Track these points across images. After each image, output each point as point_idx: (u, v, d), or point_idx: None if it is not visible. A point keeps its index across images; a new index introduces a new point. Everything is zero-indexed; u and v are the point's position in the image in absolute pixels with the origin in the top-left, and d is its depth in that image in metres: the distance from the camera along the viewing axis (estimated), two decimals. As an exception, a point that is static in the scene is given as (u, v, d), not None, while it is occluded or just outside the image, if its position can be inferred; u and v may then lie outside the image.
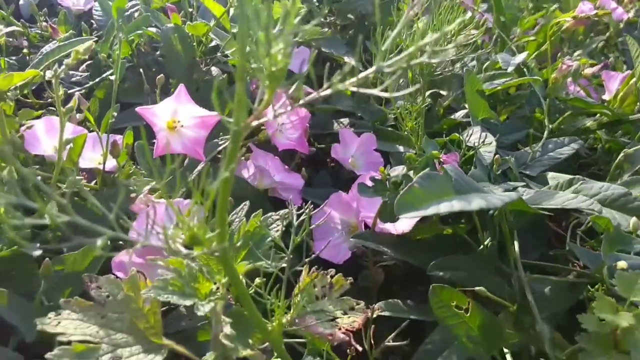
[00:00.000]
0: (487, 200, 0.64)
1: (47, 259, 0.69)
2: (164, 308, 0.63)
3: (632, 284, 0.59)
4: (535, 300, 0.70)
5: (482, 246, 0.82)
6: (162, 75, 1.00)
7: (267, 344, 0.60)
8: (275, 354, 0.62)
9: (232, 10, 1.22)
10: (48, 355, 0.52)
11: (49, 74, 0.99)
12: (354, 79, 0.40)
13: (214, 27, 1.21)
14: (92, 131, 0.92)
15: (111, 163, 0.89)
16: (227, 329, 0.54)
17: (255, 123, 0.43)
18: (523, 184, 0.86)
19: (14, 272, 0.74)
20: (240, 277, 0.53)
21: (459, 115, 1.15)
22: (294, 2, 0.37)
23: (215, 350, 0.56)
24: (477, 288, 0.68)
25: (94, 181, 0.91)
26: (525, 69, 1.19)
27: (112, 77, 1.15)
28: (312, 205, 0.66)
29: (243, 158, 0.99)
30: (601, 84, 1.22)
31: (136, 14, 1.33)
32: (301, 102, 0.41)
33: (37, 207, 0.37)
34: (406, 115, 0.96)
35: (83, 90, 1.14)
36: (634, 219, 0.73)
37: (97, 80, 1.17)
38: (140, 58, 1.28)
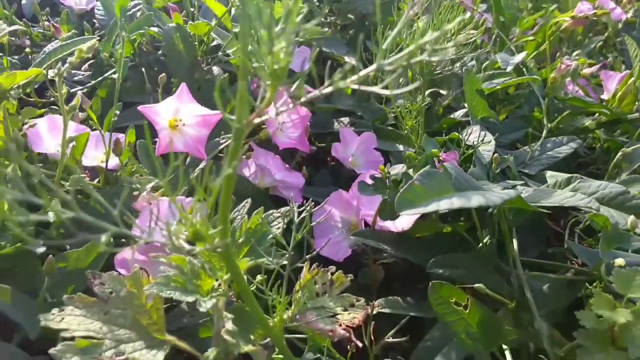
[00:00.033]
0: (486, 198, 0.65)
1: (50, 256, 0.70)
2: (166, 305, 0.63)
3: (630, 280, 0.60)
4: (533, 297, 0.71)
5: (481, 244, 0.83)
6: (164, 74, 1.01)
7: (268, 339, 0.60)
8: (277, 350, 0.63)
9: (233, 10, 1.23)
10: (52, 350, 0.53)
11: (51, 72, 1.00)
12: (355, 77, 0.40)
13: (216, 26, 1.22)
14: (94, 129, 0.93)
15: (114, 161, 0.90)
16: (229, 325, 0.54)
17: (257, 120, 0.43)
18: (522, 182, 0.87)
19: (17, 270, 0.74)
20: (242, 273, 0.54)
21: (458, 114, 1.16)
22: (296, 1, 0.38)
23: (217, 346, 0.56)
24: (476, 285, 0.69)
25: (97, 179, 0.92)
26: (524, 69, 1.20)
27: (114, 77, 1.16)
28: (312, 203, 0.67)
29: (244, 157, 0.99)
30: (600, 84, 1.23)
31: (138, 14, 1.34)
32: (302, 99, 0.41)
33: (42, 203, 0.38)
34: (406, 114, 0.96)
35: (85, 89, 1.15)
36: (631, 217, 0.73)
37: (99, 79, 1.18)
38: (142, 57, 1.28)
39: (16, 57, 1.27)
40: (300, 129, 1.03)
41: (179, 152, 0.87)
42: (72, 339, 0.54)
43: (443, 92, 1.25)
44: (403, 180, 0.79)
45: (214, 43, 1.27)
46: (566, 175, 0.84)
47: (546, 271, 0.79)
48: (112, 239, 0.39)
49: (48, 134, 0.90)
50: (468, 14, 1.06)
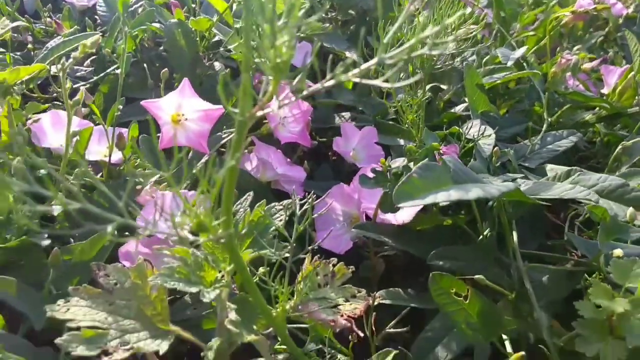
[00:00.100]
0: (484, 190, 0.65)
1: (55, 248, 0.71)
2: (170, 297, 0.64)
3: (628, 271, 0.61)
4: (533, 288, 0.71)
5: (481, 237, 0.83)
6: (166, 69, 1.02)
7: (271, 329, 0.61)
8: (279, 341, 0.64)
9: (234, 6, 1.24)
10: (58, 340, 0.53)
11: (54, 68, 1.01)
12: (356, 70, 0.41)
13: (217, 22, 1.23)
14: (97, 124, 0.93)
15: (117, 156, 0.91)
16: (232, 315, 0.55)
17: (259, 114, 0.44)
18: (522, 175, 0.87)
19: (22, 262, 0.75)
20: (245, 264, 0.55)
21: (459, 109, 1.17)
22: (298, -5, 0.39)
23: (221, 335, 0.57)
24: (476, 277, 0.69)
25: (100, 174, 0.93)
26: (524, 64, 1.20)
27: (117, 72, 1.17)
28: (314, 195, 0.67)
29: (246, 151, 1.00)
30: (600, 78, 1.23)
31: (140, 10, 1.35)
32: (304, 93, 0.42)
33: (48, 194, 0.39)
34: (407, 109, 0.97)
35: (88, 85, 1.16)
36: (630, 209, 0.74)
37: (101, 75, 1.19)
38: (143, 53, 1.29)
39: (18, 53, 1.28)
40: (301, 124, 1.04)
41: (182, 147, 0.87)
42: (78, 329, 0.55)
43: (444, 86, 1.25)
44: (403, 173, 0.80)
45: (216, 39, 1.27)
46: (566, 168, 0.84)
47: (546, 263, 0.80)
48: (116, 232, 0.40)
49: (52, 129, 0.91)
50: (469, 10, 1.07)
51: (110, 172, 0.92)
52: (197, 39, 1.23)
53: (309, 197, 0.67)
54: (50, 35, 1.36)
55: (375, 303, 0.72)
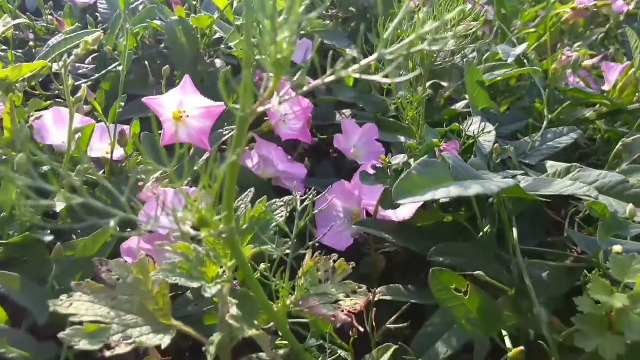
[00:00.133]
0: (484, 187, 0.66)
1: (58, 244, 0.71)
2: (172, 294, 0.64)
3: (627, 267, 0.61)
4: (533, 285, 0.71)
5: (481, 233, 0.84)
6: (167, 66, 1.02)
7: (272, 324, 0.62)
8: (281, 335, 0.64)
9: (235, 3, 1.24)
10: (61, 334, 0.54)
11: (55, 66, 1.01)
12: (356, 66, 0.41)
13: (218, 19, 1.23)
14: (99, 122, 0.94)
15: (119, 152, 0.91)
16: (234, 310, 0.55)
17: (260, 109, 0.44)
18: (522, 172, 0.88)
19: (26, 258, 0.76)
20: (247, 259, 0.55)
21: (459, 106, 1.17)
22: (299, -9, 0.39)
23: (222, 330, 0.58)
24: (476, 273, 0.69)
25: (102, 171, 0.93)
26: (525, 60, 1.20)
27: (118, 70, 1.17)
28: (315, 192, 0.68)
29: (247, 148, 1.00)
30: (601, 75, 1.23)
31: (141, 7, 1.35)
32: (305, 89, 0.43)
33: (51, 189, 0.39)
34: (407, 105, 0.97)
35: (89, 83, 1.16)
36: (630, 205, 0.74)
37: (103, 72, 1.19)
38: (145, 51, 1.29)
39: (20, 51, 1.28)
40: (302, 121, 1.04)
41: (183, 143, 0.88)
42: (81, 323, 0.55)
43: (444, 84, 1.25)
44: (404, 169, 0.80)
45: (217, 36, 1.28)
46: (566, 165, 0.85)
47: (546, 260, 0.80)
48: (118, 228, 0.40)
49: (54, 126, 0.91)
50: (469, 6, 1.07)
51: (112, 169, 0.92)
52: (198, 36, 1.24)
53: (309, 192, 0.67)
54: (52, 32, 1.37)
55: (376, 299, 0.72)
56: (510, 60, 1.14)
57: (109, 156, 0.91)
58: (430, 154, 0.84)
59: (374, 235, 0.86)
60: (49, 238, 0.72)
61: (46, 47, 1.11)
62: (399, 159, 0.84)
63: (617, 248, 0.65)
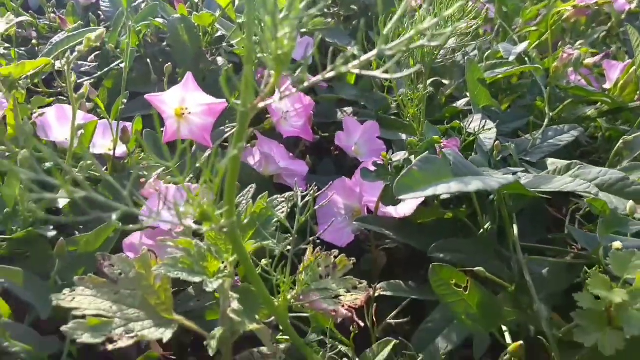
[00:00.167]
0: (484, 183, 0.66)
1: (61, 239, 0.72)
2: (173, 290, 0.65)
3: (626, 262, 0.61)
4: (533, 281, 0.71)
5: (482, 230, 0.84)
6: (169, 64, 1.02)
7: (273, 319, 0.62)
8: (281, 330, 0.65)
9: (237, 1, 1.24)
10: (64, 328, 0.54)
11: (58, 63, 1.01)
12: (356, 62, 0.42)
13: (220, 17, 1.23)
14: (102, 118, 0.94)
15: (121, 149, 0.92)
16: (235, 304, 0.56)
17: (261, 105, 0.45)
18: (523, 169, 0.88)
19: (29, 253, 0.76)
20: (248, 253, 0.56)
21: (460, 103, 1.17)
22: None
23: (224, 325, 0.58)
24: (476, 268, 0.70)
25: (105, 167, 0.93)
26: (526, 58, 1.20)
27: (120, 67, 1.18)
28: (316, 188, 0.68)
29: (249, 145, 1.01)
30: (602, 74, 1.23)
31: (143, 5, 1.35)
32: (305, 84, 0.43)
33: (55, 183, 0.39)
34: (408, 103, 0.97)
35: (92, 80, 1.17)
36: (630, 202, 0.74)
37: (105, 70, 1.20)
38: (147, 48, 1.30)
39: (23, 48, 1.29)
40: (303, 118, 1.05)
41: (185, 140, 0.88)
42: (83, 317, 0.56)
43: (445, 81, 1.26)
44: (404, 166, 0.80)
45: (218, 34, 1.28)
46: (566, 162, 0.85)
47: (546, 256, 0.80)
48: (120, 223, 0.41)
49: (57, 123, 0.92)
50: (470, 4, 1.07)
51: (115, 166, 0.92)
52: (200, 34, 1.24)
53: (310, 188, 0.67)
54: (55, 30, 1.37)
55: (376, 295, 0.73)
56: (511, 58, 1.15)
57: (111, 153, 0.91)
58: (430, 151, 0.84)
59: (374, 231, 0.86)
60: (52, 233, 0.73)
61: (49, 45, 1.12)
62: (399, 156, 0.84)
63: (617, 244, 0.65)
